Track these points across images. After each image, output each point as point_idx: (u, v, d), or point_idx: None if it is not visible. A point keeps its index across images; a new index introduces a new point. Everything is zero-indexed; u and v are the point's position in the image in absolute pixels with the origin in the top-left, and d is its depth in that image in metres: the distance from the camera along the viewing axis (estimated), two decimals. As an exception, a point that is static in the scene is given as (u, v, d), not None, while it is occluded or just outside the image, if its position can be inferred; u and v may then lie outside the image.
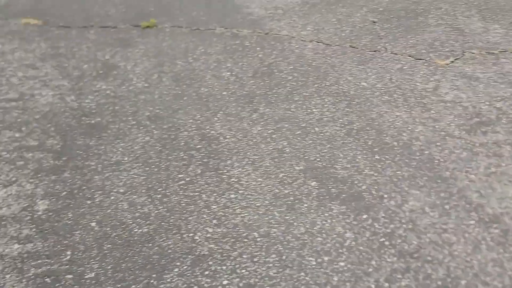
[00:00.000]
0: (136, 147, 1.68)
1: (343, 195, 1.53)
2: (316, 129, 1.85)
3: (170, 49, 2.33)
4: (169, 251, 1.30)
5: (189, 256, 1.29)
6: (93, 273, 1.22)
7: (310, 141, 1.78)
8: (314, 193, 1.54)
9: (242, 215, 1.43)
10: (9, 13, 2.52)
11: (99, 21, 2.52)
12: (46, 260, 1.24)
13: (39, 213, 1.38)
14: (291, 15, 2.80)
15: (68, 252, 1.27)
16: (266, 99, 2.02)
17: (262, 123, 1.87)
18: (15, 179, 1.49)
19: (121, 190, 1.49)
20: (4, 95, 1.89)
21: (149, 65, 2.18)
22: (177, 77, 2.12)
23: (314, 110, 1.97)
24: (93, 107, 1.87)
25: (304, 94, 2.07)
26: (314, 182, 1.58)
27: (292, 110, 1.96)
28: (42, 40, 2.30)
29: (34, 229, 1.32)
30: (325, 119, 1.91)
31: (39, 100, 1.88)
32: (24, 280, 1.18)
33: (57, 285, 1.18)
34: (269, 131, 1.82)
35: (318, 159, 1.69)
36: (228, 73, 2.18)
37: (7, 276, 1.19)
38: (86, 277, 1.20)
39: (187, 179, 1.57)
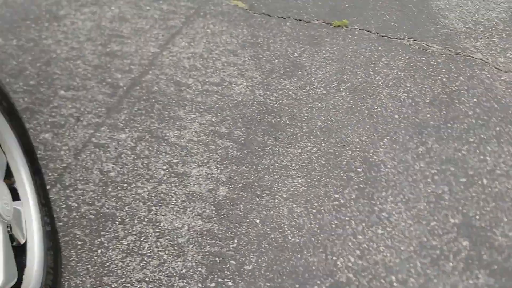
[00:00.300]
0: (303, 156, 1.85)
1: (495, 266, 1.48)
2: (484, 181, 1.75)
3: (354, 56, 2.36)
4: (313, 267, 1.47)
5: (329, 279, 1.44)
6: (251, 266, 1.46)
7: (474, 194, 1.71)
8: (463, 253, 1.51)
9: (385, 254, 1.51)
10: (223, -8, 2.82)
11: (295, 13, 2.66)
12: (219, 242, 1.52)
13: (219, 198, 1.67)
14: (491, 34, 2.53)
15: (235, 240, 1.53)
16: (438, 133, 1.95)
17: (427, 159, 1.84)
18: (207, 161, 1.80)
19: (284, 195, 1.69)
20: (209, 78, 2.21)
21: (331, 71, 2.27)
22: (354, 88, 2.17)
23: (488, 158, 1.84)
24: (275, 105, 2.07)
25: (481, 136, 1.94)
26: (466, 242, 1.55)
27: (463, 152, 1.87)
28: (246, 26, 2.55)
29: (214, 211, 1.62)
30: (498, 172, 1.79)
31: (234, 88, 2.15)
32: (201, 254, 1.49)
33: (223, 266, 1.46)
34: (432, 171, 1.79)
35: (477, 217, 1.63)
36: (405, 95, 2.14)
37: (190, 246, 1.51)
38: (245, 267, 1.46)
39: (342, 201, 1.68)
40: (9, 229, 1.13)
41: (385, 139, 1.93)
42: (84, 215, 1.57)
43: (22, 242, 1.22)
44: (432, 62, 2.34)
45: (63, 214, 1.56)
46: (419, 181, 1.76)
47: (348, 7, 2.74)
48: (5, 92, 1.24)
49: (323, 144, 1.90)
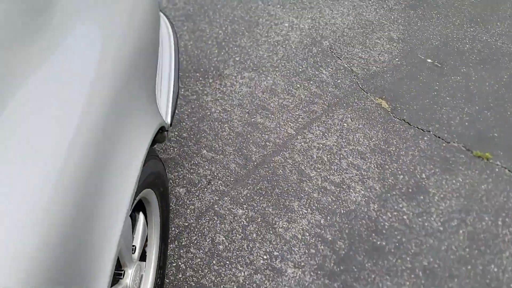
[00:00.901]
0: (398, 294, 1.78)
1: None
2: None
3: (486, 197, 2.19)
4: None
5: None
6: None
7: None
8: None
9: None
10: (371, 87, 2.84)
11: (437, 128, 2.56)
12: None
13: (303, 308, 1.71)
14: None
15: None
16: (557, 324, 1.71)
17: None
18: (303, 264, 1.86)
19: (365, 331, 1.66)
20: (330, 175, 2.26)
21: (455, 206, 2.14)
22: (475, 235, 2.01)
23: None
24: (385, 226, 2.03)
25: None
26: None
27: None
28: (382, 130, 2.54)
29: (294, 321, 1.67)
30: None
31: (351, 194, 2.17)
32: None
33: None
34: None
35: None
36: (532, 263, 1.91)
37: None
38: None
39: None
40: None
41: (492, 308, 1.76)
42: (187, 280, 1.75)
43: (135, 302, 1.43)
44: None
45: (171, 272, 1.77)
46: None
47: (496, 136, 2.54)
48: (165, 181, 1.47)
49: (421, 288, 1.81)
